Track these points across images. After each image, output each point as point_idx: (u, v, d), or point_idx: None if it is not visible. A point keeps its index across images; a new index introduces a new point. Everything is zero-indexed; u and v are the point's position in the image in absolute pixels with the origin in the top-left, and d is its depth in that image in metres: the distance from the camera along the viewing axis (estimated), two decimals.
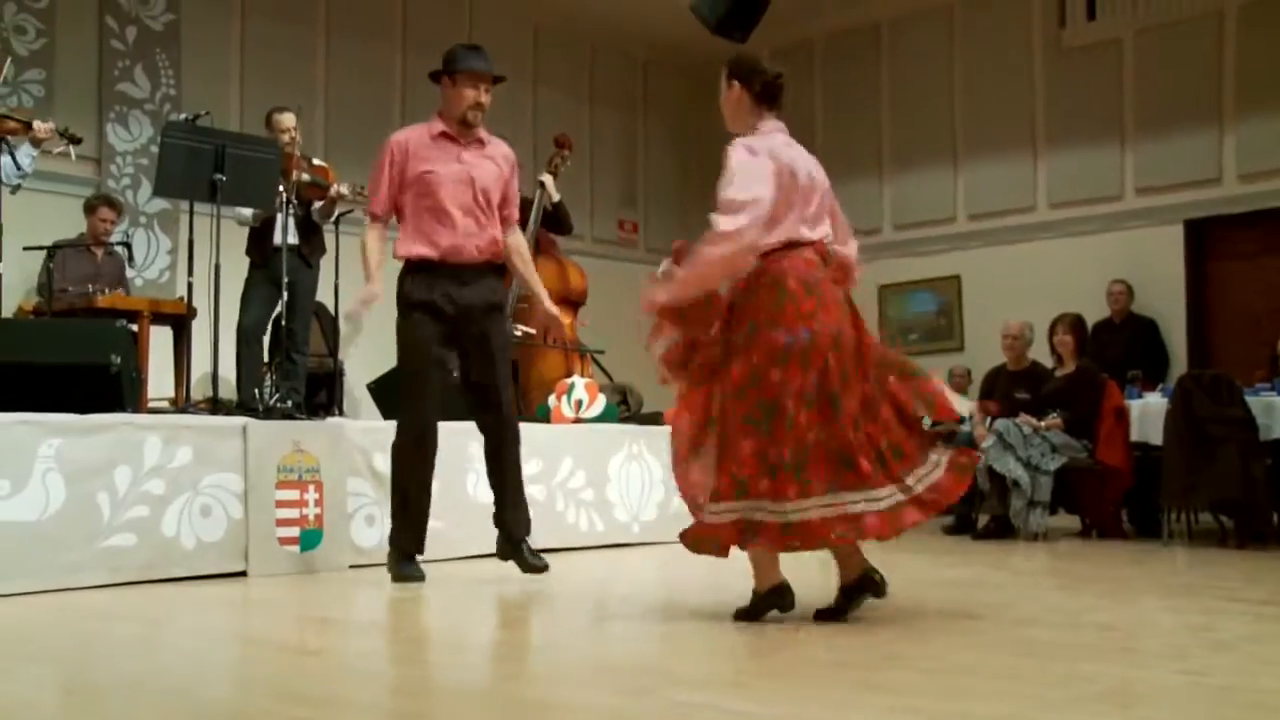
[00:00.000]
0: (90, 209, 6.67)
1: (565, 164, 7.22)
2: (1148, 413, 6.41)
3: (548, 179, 7.02)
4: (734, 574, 3.60)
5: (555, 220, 7.10)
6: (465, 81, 4.24)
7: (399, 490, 4.38)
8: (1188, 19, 8.51)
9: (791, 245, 3.33)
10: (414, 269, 4.29)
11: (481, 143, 4.36)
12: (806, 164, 3.47)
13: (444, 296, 4.26)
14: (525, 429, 5.83)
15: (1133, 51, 8.83)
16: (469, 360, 4.41)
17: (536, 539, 5.57)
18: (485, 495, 5.40)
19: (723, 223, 3.24)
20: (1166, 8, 8.56)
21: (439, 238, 4.25)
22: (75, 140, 5.83)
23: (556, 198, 7.04)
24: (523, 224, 6.93)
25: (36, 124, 5.61)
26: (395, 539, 4.41)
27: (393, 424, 5.29)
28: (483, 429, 4.49)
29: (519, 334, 6.81)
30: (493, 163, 4.36)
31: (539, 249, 7.10)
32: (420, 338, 4.26)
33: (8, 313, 5.85)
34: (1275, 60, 8.16)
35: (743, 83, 3.44)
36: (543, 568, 4.49)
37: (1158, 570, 5.12)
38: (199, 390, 6.44)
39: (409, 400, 4.35)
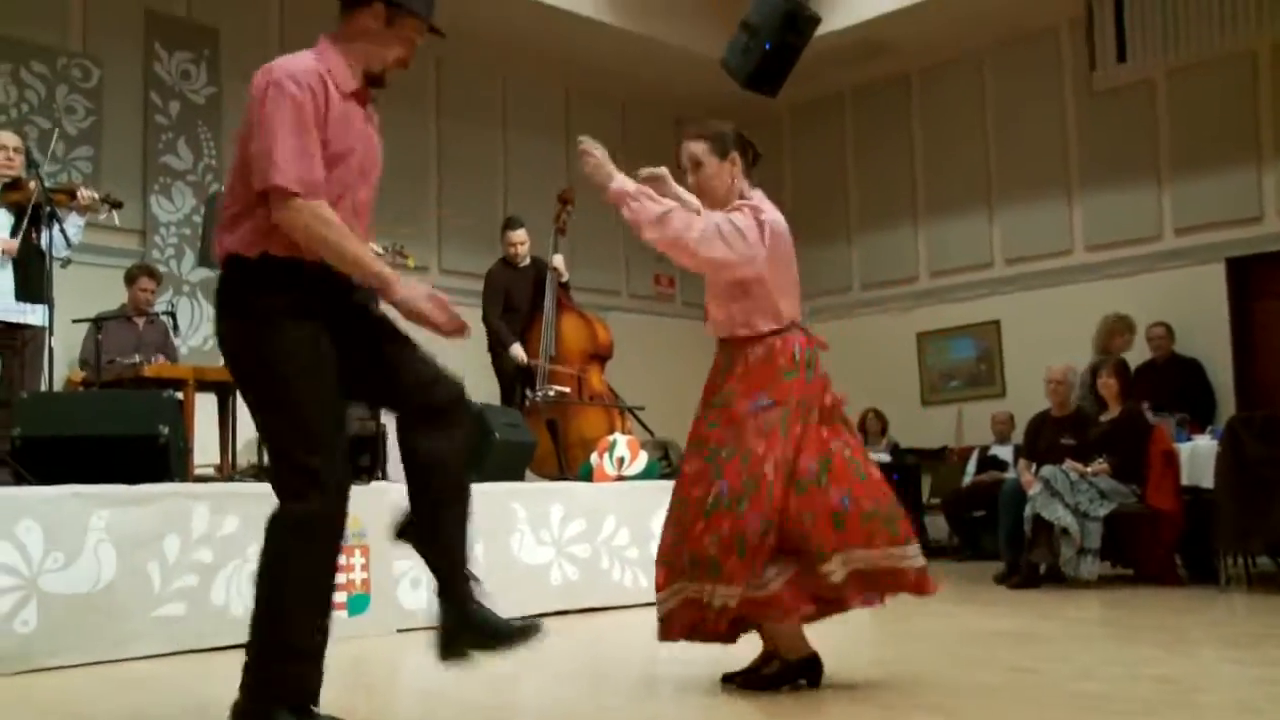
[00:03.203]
0: (131, 279, 6.81)
1: (570, 217, 7.44)
2: (1197, 455, 6.32)
3: (559, 261, 7.18)
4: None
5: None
6: (412, 28, 2.88)
7: (286, 604, 2.73)
8: (1220, 58, 8.49)
9: (794, 325, 3.34)
10: (280, 267, 2.70)
11: (372, 105, 3.01)
12: None
13: (326, 297, 2.74)
14: (569, 488, 5.88)
15: (1165, 92, 8.82)
16: (370, 353, 2.82)
17: (584, 597, 5.57)
18: (531, 555, 5.42)
19: (711, 237, 3.19)
20: (1198, 48, 8.54)
21: None
22: (117, 205, 5.94)
23: (565, 277, 7.27)
24: (538, 302, 7.11)
25: (80, 192, 5.75)
26: (275, 684, 2.72)
27: None
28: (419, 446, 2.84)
29: (553, 393, 6.86)
30: (378, 147, 3.05)
31: (560, 308, 7.20)
32: (314, 354, 2.69)
33: (58, 385, 5.95)
34: None
35: (741, 152, 3.39)
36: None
37: (1216, 618, 5.01)
38: (244, 456, 6.50)
39: (304, 450, 2.68)
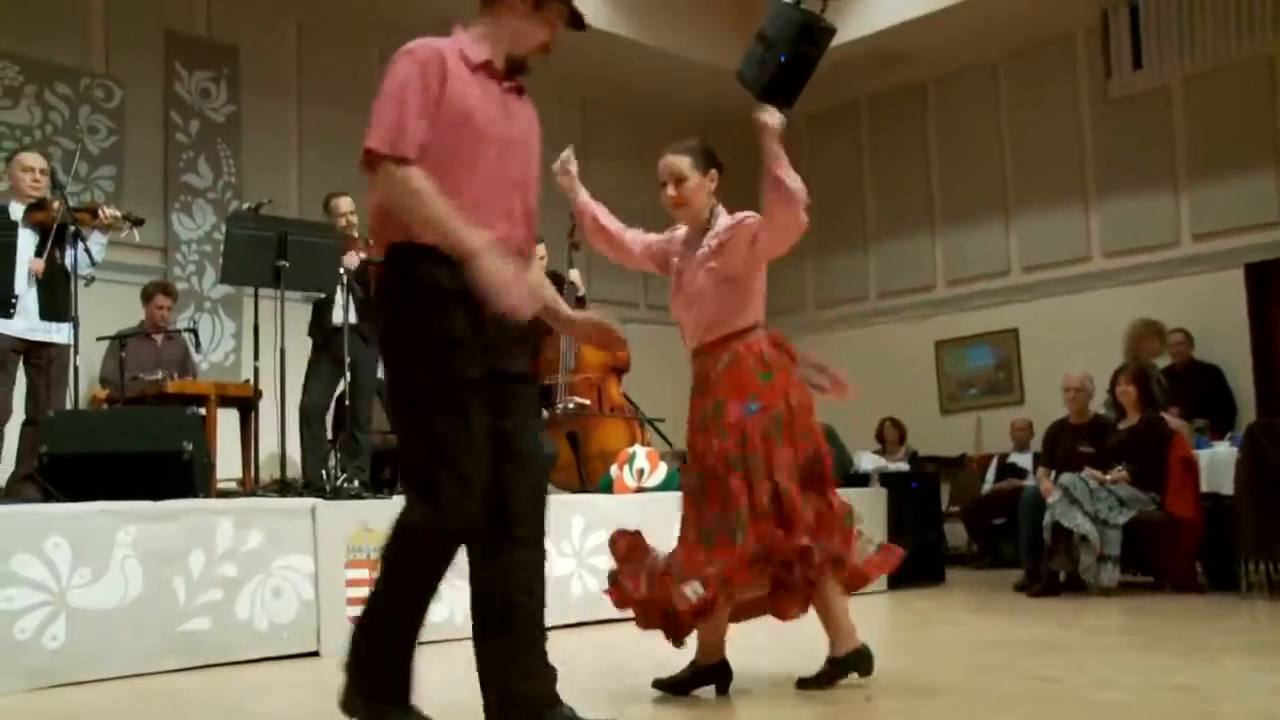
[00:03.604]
0: (147, 297, 6.90)
1: (582, 235, 7.50)
2: (1217, 462, 6.30)
3: (576, 275, 7.23)
4: (797, 641, 3.58)
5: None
6: (557, 13, 2.84)
7: (404, 602, 2.71)
8: (1236, 64, 8.48)
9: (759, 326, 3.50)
10: (438, 257, 2.56)
11: (521, 90, 2.85)
12: None
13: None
14: (589, 500, 5.91)
15: (1182, 98, 8.81)
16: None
17: (605, 608, 5.55)
18: (552, 567, 5.41)
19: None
20: (1214, 54, 8.53)
21: (487, 215, 2.63)
22: (138, 222, 6.02)
23: (582, 291, 7.30)
24: None
25: (102, 210, 5.83)
26: (376, 677, 2.74)
27: None
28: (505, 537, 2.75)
29: (573, 405, 6.90)
30: (533, 127, 2.86)
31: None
32: (470, 349, 2.59)
33: (83, 403, 6.02)
34: None
35: (718, 169, 3.63)
36: None
37: (1237, 626, 5.00)
38: (266, 470, 6.56)
39: (453, 457, 2.57)
